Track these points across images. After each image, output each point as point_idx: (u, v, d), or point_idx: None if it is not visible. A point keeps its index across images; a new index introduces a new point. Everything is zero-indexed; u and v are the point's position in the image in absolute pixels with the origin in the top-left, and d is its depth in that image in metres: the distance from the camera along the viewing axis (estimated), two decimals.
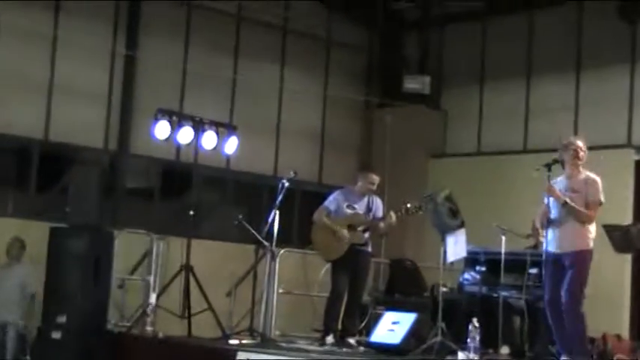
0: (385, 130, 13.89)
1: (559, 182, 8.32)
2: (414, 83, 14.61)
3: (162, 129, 10.35)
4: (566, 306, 8.10)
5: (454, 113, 14.79)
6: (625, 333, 11.10)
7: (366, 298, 10.86)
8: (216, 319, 9.92)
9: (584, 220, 8.18)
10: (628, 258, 10.58)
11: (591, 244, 8.17)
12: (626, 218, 10.87)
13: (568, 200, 8.13)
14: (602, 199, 8.22)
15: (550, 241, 8.24)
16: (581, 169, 8.33)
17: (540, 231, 8.60)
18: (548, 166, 8.26)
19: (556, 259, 8.15)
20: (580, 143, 8.36)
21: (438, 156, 14.74)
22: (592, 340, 9.41)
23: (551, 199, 8.23)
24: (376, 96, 15.22)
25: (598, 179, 8.28)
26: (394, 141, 13.97)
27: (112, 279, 9.91)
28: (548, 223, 8.24)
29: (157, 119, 10.34)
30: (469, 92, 14.59)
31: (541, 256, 8.64)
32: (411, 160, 14.40)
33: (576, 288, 8.09)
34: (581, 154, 8.30)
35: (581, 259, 8.12)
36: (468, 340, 8.19)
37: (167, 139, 10.47)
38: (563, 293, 8.14)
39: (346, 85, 15.23)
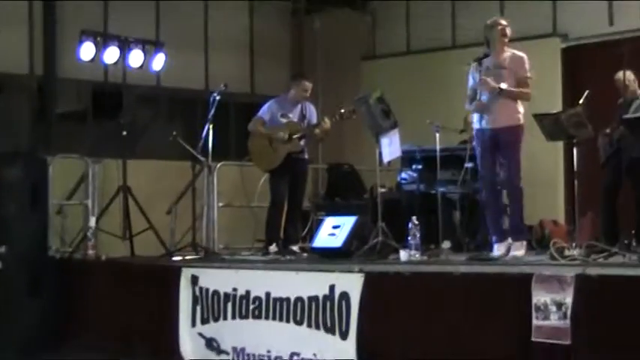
0: (315, 36, 13.80)
1: (486, 61, 8.34)
2: None
3: (87, 50, 10.32)
4: (509, 182, 8.33)
5: (382, 14, 14.69)
6: (561, 218, 11.35)
7: (306, 204, 10.91)
8: (157, 237, 9.93)
9: (522, 99, 8.31)
10: (560, 145, 10.71)
11: (522, 120, 8.32)
12: (556, 106, 10.97)
13: (504, 86, 8.19)
14: (529, 74, 8.33)
15: (483, 120, 8.31)
16: (506, 47, 8.40)
17: (472, 125, 8.68)
18: (479, 60, 8.29)
19: (491, 136, 8.27)
20: (504, 22, 8.43)
21: (368, 58, 14.71)
22: (530, 228, 9.60)
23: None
24: (301, 2, 15.05)
25: (524, 55, 8.37)
26: (325, 46, 13.88)
27: (49, 205, 9.80)
28: (479, 105, 8.31)
29: (81, 41, 10.27)
30: None
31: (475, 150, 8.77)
32: (342, 65, 14.36)
33: (517, 162, 8.26)
34: (508, 31, 8.37)
35: (516, 134, 8.27)
36: (409, 237, 8.28)
37: (93, 60, 10.41)
38: (503, 171, 8.42)
39: None
